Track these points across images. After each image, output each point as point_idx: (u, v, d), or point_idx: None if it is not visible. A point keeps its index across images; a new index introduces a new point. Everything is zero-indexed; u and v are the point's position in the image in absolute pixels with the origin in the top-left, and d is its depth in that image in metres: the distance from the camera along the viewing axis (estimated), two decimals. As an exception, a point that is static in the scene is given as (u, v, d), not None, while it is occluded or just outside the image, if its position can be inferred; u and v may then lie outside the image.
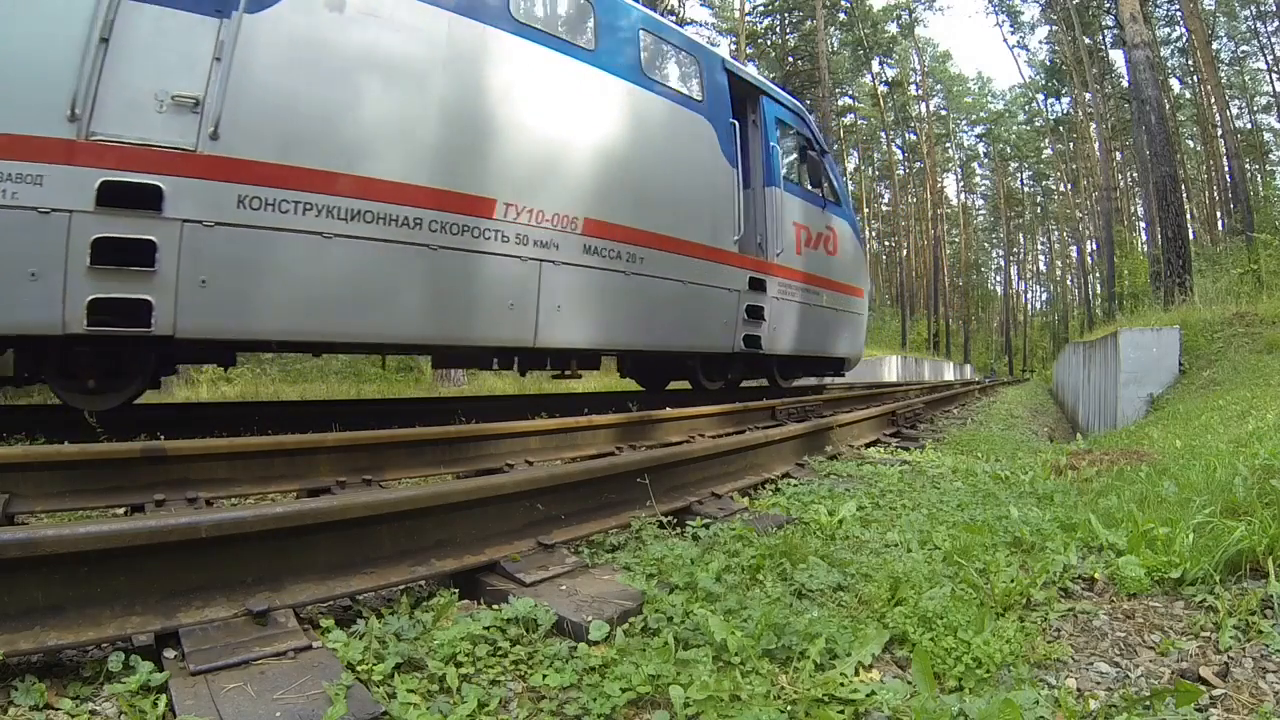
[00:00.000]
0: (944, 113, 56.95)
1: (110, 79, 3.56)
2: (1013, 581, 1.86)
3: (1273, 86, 36.72)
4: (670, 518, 2.55)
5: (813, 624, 1.56)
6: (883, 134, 53.05)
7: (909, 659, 1.49)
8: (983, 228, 68.59)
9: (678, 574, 1.88)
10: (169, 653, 1.39)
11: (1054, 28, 40.74)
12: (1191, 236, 20.95)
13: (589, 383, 12.05)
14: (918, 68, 51.81)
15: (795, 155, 8.86)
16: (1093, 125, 40.69)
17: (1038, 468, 3.84)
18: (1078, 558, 2.10)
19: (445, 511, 1.93)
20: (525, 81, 5.29)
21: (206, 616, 1.45)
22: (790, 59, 43.07)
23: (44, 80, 3.46)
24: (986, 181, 64.56)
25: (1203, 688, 1.38)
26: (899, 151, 54.81)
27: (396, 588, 1.78)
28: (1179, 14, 31.23)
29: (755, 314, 7.56)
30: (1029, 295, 72.67)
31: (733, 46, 36.86)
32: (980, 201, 67.12)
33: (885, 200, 60.43)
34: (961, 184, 64.60)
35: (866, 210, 56.85)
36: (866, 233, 58.48)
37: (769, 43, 43.54)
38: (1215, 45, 34.38)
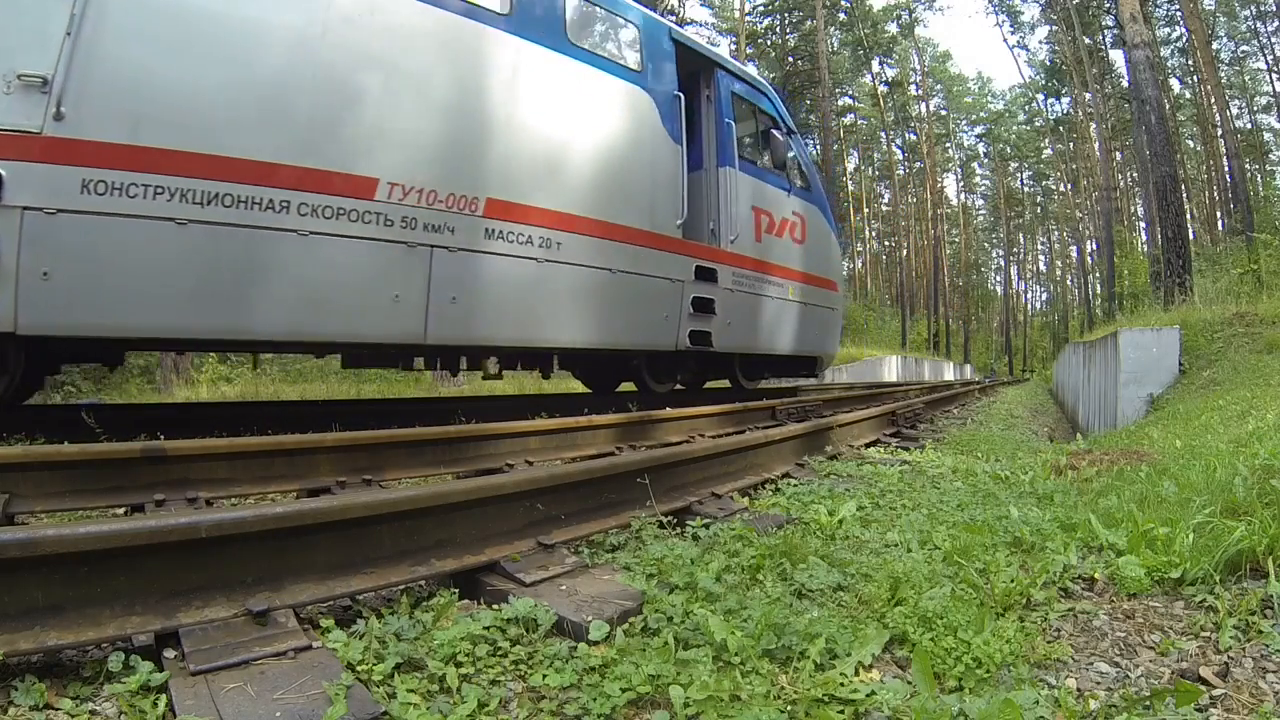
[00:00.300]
0: (944, 113, 57.04)
1: None
2: (1013, 581, 1.86)
3: (1273, 86, 36.76)
4: (670, 518, 2.55)
5: (813, 624, 1.56)
6: (883, 134, 53.12)
7: (909, 659, 1.49)
8: (983, 228, 68.65)
9: (678, 574, 1.88)
10: (169, 653, 1.39)
11: (1054, 28, 40.78)
12: (1191, 236, 20.96)
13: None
14: (918, 68, 51.88)
15: (756, 134, 8.09)
16: (1093, 125, 40.73)
17: (1038, 468, 3.84)
18: (1078, 558, 2.10)
19: (445, 511, 1.93)
20: (417, 50, 4.77)
21: (206, 616, 1.45)
22: (790, 59, 43.10)
23: None
24: (986, 181, 64.69)
25: (1203, 688, 1.38)
26: (899, 151, 54.89)
27: (396, 588, 1.77)
28: (1179, 14, 31.25)
29: (703, 307, 6.88)
30: (1029, 295, 72.82)
31: (733, 46, 36.90)
32: (980, 201, 67.26)
33: (885, 200, 60.49)
34: (961, 184, 64.72)
35: (866, 210, 56.93)
36: (866, 233, 58.88)
37: (769, 43, 43.57)
38: (1215, 45, 34.40)
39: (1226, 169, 32.11)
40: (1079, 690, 1.41)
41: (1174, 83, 37.34)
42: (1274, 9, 32.74)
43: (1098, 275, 42.43)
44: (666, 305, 6.54)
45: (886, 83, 50.81)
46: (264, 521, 1.58)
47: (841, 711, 1.30)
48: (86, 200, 3.60)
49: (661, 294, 6.48)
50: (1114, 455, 4.03)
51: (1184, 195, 19.76)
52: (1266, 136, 39.49)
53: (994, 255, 71.36)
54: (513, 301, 5.31)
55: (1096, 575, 2.00)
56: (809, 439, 4.46)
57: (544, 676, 1.40)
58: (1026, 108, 53.61)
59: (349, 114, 4.46)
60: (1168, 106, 25.21)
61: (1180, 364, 8.57)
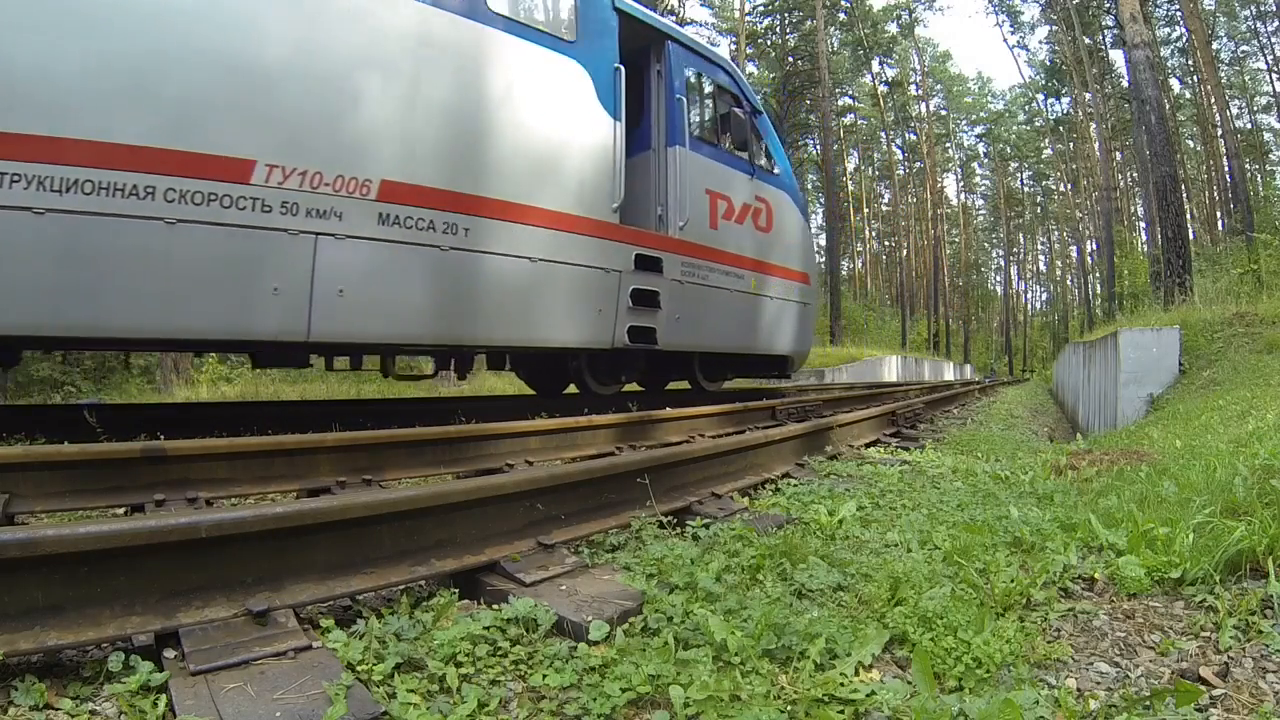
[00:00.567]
0: (944, 113, 57.10)
1: None
2: (1013, 581, 1.86)
3: (1273, 86, 36.78)
4: (670, 518, 2.55)
5: (813, 624, 1.56)
6: (883, 134, 53.18)
7: (909, 659, 1.49)
8: (983, 228, 68.71)
9: (678, 574, 1.88)
10: (169, 653, 1.39)
11: (1054, 28, 40.81)
12: (1191, 236, 20.98)
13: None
14: (918, 68, 51.93)
15: (712, 113, 7.44)
16: (1093, 125, 40.75)
17: (1038, 468, 3.84)
18: (1078, 558, 2.11)
19: (445, 511, 1.93)
20: (301, 16, 4.33)
21: (206, 616, 1.45)
22: (790, 59, 43.12)
23: None
24: (986, 181, 64.75)
25: (1203, 688, 1.38)
26: (899, 151, 54.95)
27: (396, 588, 1.77)
28: (1179, 14, 31.26)
29: (645, 300, 6.22)
30: (1029, 295, 72.88)
31: (733, 46, 36.91)
32: (980, 201, 67.31)
33: (885, 200, 60.54)
34: (961, 184, 64.78)
35: (866, 210, 56.99)
36: (866, 232, 58.91)
37: (769, 43, 43.59)
38: (1215, 45, 34.42)
39: (1226, 169, 32.13)
40: (1079, 690, 1.41)
41: (1174, 83, 37.39)
42: (1274, 9, 32.76)
43: (1098, 275, 42.47)
44: (599, 298, 5.89)
45: (886, 83, 50.87)
46: (264, 521, 1.58)
47: (841, 711, 1.30)
48: None
49: (592, 285, 5.83)
50: (1114, 455, 4.03)
51: (1184, 195, 19.77)
52: (1266, 136, 39.55)
53: (994, 255, 71.51)
54: (412, 294, 4.79)
55: (1096, 575, 2.01)
56: (809, 439, 4.46)
57: (544, 676, 1.40)
58: (1026, 108, 53.69)
59: (220, 91, 4.04)
60: (1168, 106, 25.23)
61: (1180, 364, 8.57)
